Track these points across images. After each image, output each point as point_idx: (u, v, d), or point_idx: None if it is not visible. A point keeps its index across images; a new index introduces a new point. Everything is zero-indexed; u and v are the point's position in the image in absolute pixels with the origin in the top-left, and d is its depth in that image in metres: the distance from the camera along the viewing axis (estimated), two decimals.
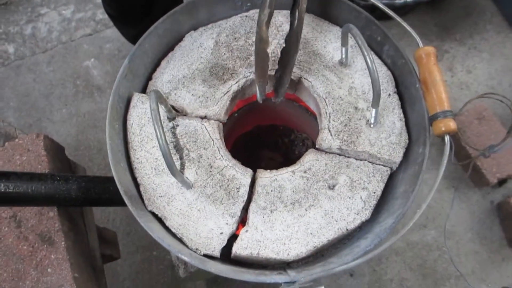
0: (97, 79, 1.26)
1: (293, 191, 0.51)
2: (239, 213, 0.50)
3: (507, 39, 1.25)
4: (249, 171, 0.52)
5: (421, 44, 0.52)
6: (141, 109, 0.55)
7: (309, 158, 0.53)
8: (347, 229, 0.49)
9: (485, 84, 1.18)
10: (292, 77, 0.57)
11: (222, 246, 0.49)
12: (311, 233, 0.49)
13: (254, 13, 0.61)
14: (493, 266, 1.03)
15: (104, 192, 0.55)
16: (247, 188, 0.51)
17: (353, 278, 1.03)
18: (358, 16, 0.56)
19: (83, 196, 0.53)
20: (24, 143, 0.57)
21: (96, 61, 1.30)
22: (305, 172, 0.53)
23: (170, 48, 0.60)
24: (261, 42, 0.48)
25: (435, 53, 0.51)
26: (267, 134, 0.74)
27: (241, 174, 0.52)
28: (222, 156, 0.53)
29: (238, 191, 0.51)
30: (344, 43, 0.54)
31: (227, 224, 0.49)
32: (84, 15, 1.37)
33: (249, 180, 0.51)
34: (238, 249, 0.49)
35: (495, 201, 1.07)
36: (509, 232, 1.04)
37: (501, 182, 1.08)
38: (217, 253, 0.48)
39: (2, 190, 0.47)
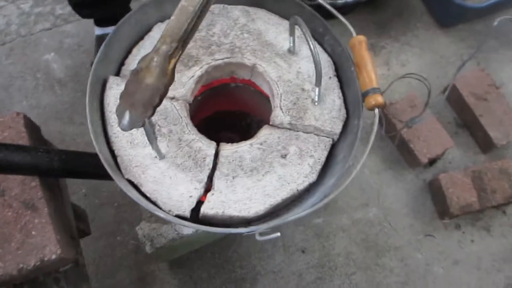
0: (57, 72, 1.30)
1: (251, 160, 0.60)
2: (205, 179, 0.58)
3: (434, 36, 1.41)
4: (213, 143, 0.60)
5: (354, 34, 0.62)
6: (116, 90, 0.62)
7: (264, 133, 0.63)
8: (297, 190, 0.59)
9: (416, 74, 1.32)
10: (248, 63, 0.66)
11: (192, 208, 0.57)
12: (267, 194, 0.58)
13: (214, 7, 0.70)
14: (426, 237, 1.17)
15: (83, 165, 0.61)
16: (212, 158, 0.59)
17: (305, 254, 1.13)
18: (302, 11, 0.66)
19: (63, 167, 0.59)
20: (5, 121, 0.62)
21: (56, 55, 1.33)
22: (261, 144, 0.62)
23: (140, 37, 0.67)
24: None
25: (366, 41, 0.61)
26: (226, 118, 0.83)
27: (207, 146, 0.60)
28: (189, 131, 0.61)
29: (204, 160, 0.59)
30: (292, 33, 0.64)
31: (195, 188, 0.57)
32: (43, 10, 1.39)
33: (213, 151, 0.60)
34: (206, 209, 0.57)
35: (426, 180, 1.21)
36: (439, 206, 1.18)
37: (432, 162, 1.23)
38: (187, 214, 0.56)
39: None
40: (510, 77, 1.39)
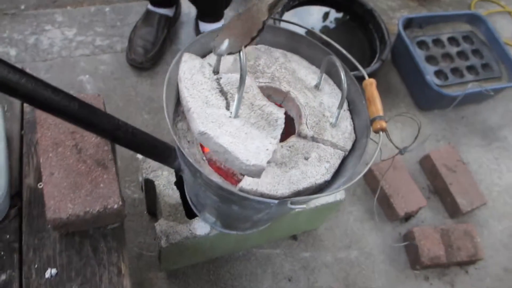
0: (89, 92, 1.46)
1: (281, 157, 0.77)
2: (279, 136, 0.69)
3: (413, 116, 1.65)
4: (283, 109, 0.74)
5: (367, 77, 0.82)
6: (190, 63, 0.74)
7: (292, 140, 0.80)
8: (315, 183, 0.75)
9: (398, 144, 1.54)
10: (284, 89, 0.85)
11: (268, 159, 0.65)
12: (292, 182, 0.74)
13: (260, 47, 0.90)
14: (398, 283, 1.31)
15: (147, 142, 0.76)
16: (283, 120, 0.70)
17: (291, 283, 1.24)
18: (329, 59, 0.86)
19: (133, 139, 0.73)
20: (88, 98, 0.77)
21: (90, 78, 1.50)
22: (289, 147, 0.78)
23: (204, 56, 0.85)
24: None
25: (375, 82, 0.81)
26: None
27: (277, 111, 0.72)
28: (261, 98, 0.73)
29: (277, 121, 0.70)
30: (322, 70, 0.84)
31: (270, 143, 0.67)
32: (85, 39, 1.59)
33: (283, 115, 0.71)
34: (244, 185, 0.71)
35: (402, 233, 1.38)
36: (411, 256, 1.33)
37: (407, 218, 1.40)
38: (264, 164, 0.64)
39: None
40: (475, 159, 1.63)
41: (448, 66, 1.72)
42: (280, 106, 0.89)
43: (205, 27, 1.59)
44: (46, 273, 0.75)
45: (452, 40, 1.81)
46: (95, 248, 0.77)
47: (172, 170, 1.07)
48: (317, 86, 0.87)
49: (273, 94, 0.87)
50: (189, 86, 0.70)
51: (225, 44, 0.56)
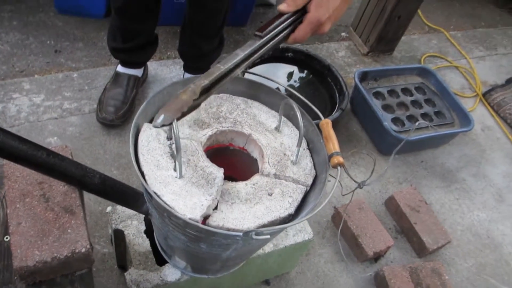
0: None
1: (246, 194, 0.80)
2: (214, 194, 0.76)
3: (376, 160, 1.73)
4: (222, 169, 0.80)
5: (322, 118, 0.89)
6: (148, 132, 0.82)
7: (256, 178, 0.84)
8: (280, 217, 0.78)
9: (364, 191, 1.61)
10: (246, 132, 0.90)
11: (202, 213, 0.71)
12: (257, 217, 0.77)
13: (222, 95, 0.96)
14: None
15: (115, 188, 0.78)
16: (221, 178, 0.78)
17: None
18: (286, 102, 0.93)
19: (101, 185, 0.76)
20: (57, 150, 0.80)
21: (58, 139, 1.52)
22: (253, 184, 0.82)
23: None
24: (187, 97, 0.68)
25: (330, 122, 0.88)
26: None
27: (217, 171, 0.79)
28: (204, 160, 0.80)
29: (215, 180, 0.77)
30: (281, 113, 0.90)
31: (206, 199, 0.73)
32: (52, 103, 1.63)
33: (222, 174, 0.78)
34: (211, 221, 0.74)
35: (372, 273, 1.40)
36: None
37: (376, 259, 1.43)
38: (198, 218, 0.71)
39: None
40: (436, 199, 1.70)
41: (404, 113, 1.84)
42: (243, 148, 0.94)
43: None
44: None
45: (406, 91, 1.95)
46: None
47: (142, 219, 1.08)
48: (277, 128, 0.93)
49: (235, 137, 0.92)
50: (145, 152, 0.79)
51: (160, 118, 0.66)
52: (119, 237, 1.10)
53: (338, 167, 0.84)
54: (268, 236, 0.71)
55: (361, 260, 1.41)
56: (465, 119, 1.84)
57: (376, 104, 1.81)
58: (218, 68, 0.74)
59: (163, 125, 0.67)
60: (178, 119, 0.68)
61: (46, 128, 1.55)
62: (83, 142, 1.52)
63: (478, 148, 1.97)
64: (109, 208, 1.13)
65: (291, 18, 0.84)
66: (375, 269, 1.40)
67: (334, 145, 0.85)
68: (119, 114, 1.56)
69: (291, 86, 1.92)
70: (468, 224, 1.66)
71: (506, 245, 1.63)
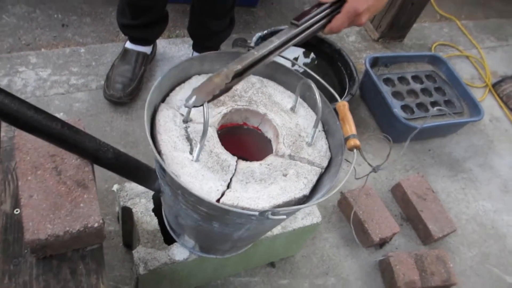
0: None
1: (260, 174, 0.79)
2: (228, 180, 0.76)
3: (383, 148, 1.72)
4: (235, 157, 0.79)
5: (339, 100, 0.87)
6: (165, 112, 0.81)
7: (270, 158, 0.83)
8: (294, 197, 0.77)
9: (371, 177, 1.59)
10: (261, 112, 0.89)
11: (217, 198, 0.73)
12: (272, 197, 0.76)
13: None
14: None
15: (128, 164, 0.77)
16: (235, 166, 0.78)
17: None
18: (303, 82, 0.91)
19: (115, 160, 0.74)
20: (69, 121, 0.78)
21: (65, 115, 1.50)
22: (268, 165, 0.81)
23: (183, 81, 0.89)
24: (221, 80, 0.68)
25: (347, 104, 0.86)
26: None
27: (231, 158, 0.79)
28: (219, 146, 0.80)
29: (229, 167, 0.77)
30: (298, 92, 0.88)
31: (221, 185, 0.74)
32: (59, 78, 1.60)
33: (235, 162, 0.78)
34: (225, 200, 0.73)
35: (377, 259, 1.40)
36: (387, 281, 1.35)
37: (381, 245, 1.43)
38: (214, 201, 0.71)
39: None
40: (443, 188, 1.69)
41: (414, 101, 1.82)
42: (257, 128, 0.92)
43: None
44: None
45: (416, 78, 1.92)
46: (73, 270, 0.75)
47: (150, 197, 1.07)
48: (292, 109, 0.91)
49: (250, 117, 0.91)
50: (162, 132, 0.79)
51: (192, 99, 0.67)
52: (126, 214, 1.09)
53: (354, 150, 0.82)
54: (285, 217, 0.70)
55: (367, 246, 1.41)
56: (475, 108, 1.82)
57: (386, 90, 1.79)
58: (252, 54, 0.72)
59: (194, 106, 0.67)
60: (209, 101, 0.67)
61: (52, 103, 1.53)
62: (90, 118, 1.50)
63: (485, 139, 1.95)
64: (115, 186, 1.12)
65: (329, 9, 0.83)
66: (381, 255, 1.40)
67: (350, 127, 0.84)
68: (127, 92, 1.54)
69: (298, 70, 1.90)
70: (473, 214, 1.66)
71: (511, 235, 1.63)
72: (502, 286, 1.49)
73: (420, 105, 1.81)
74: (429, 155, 1.80)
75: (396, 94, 1.82)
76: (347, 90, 1.73)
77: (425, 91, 1.89)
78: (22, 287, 0.74)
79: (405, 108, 1.78)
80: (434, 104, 1.84)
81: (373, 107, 1.85)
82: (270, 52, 0.74)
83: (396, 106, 1.73)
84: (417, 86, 1.89)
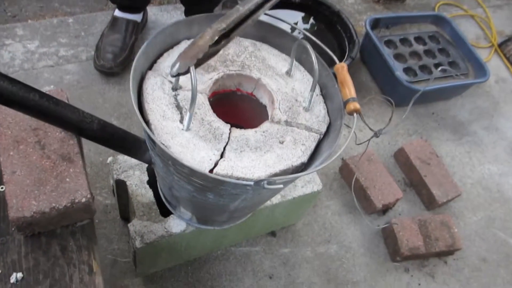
0: None
1: (255, 141, 0.75)
2: (222, 149, 0.72)
3: (386, 112, 1.67)
4: (228, 125, 0.75)
5: (337, 62, 0.82)
6: (152, 80, 0.76)
7: (266, 125, 0.78)
8: (292, 165, 0.73)
9: (373, 142, 1.55)
10: (255, 76, 0.84)
11: (210, 168, 0.69)
12: (268, 165, 0.72)
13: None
14: (379, 275, 1.30)
15: (114, 135, 0.73)
16: (228, 134, 0.74)
17: (272, 280, 1.22)
18: (299, 43, 0.85)
19: (100, 131, 0.70)
20: (52, 92, 0.74)
21: (55, 88, 1.45)
22: (263, 132, 0.77)
23: (171, 47, 0.83)
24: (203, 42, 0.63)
25: (346, 66, 0.81)
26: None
27: (223, 126, 0.74)
28: (210, 114, 0.75)
29: (222, 136, 0.73)
30: (293, 55, 0.83)
31: (214, 154, 0.70)
32: (48, 50, 1.54)
33: (228, 130, 0.74)
34: (219, 170, 0.69)
35: (380, 226, 1.37)
36: (390, 248, 1.33)
37: (384, 211, 1.40)
38: (207, 172, 0.68)
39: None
40: (447, 152, 1.65)
41: (416, 63, 1.75)
42: (251, 94, 0.88)
43: None
44: (11, 278, 0.70)
45: (419, 40, 1.85)
46: (63, 247, 0.73)
47: (144, 170, 1.03)
48: (288, 73, 0.86)
49: (244, 82, 0.86)
50: (150, 101, 0.74)
51: (176, 67, 0.63)
52: (121, 187, 1.06)
53: (354, 114, 0.78)
54: (281, 186, 0.66)
55: (369, 213, 1.38)
56: (481, 70, 1.76)
57: (388, 53, 1.72)
58: (237, 9, 0.67)
59: (178, 74, 0.62)
60: (196, 66, 0.63)
61: (41, 76, 1.48)
62: (81, 90, 1.46)
63: (491, 101, 1.90)
64: (110, 159, 1.08)
65: None
66: (383, 222, 1.38)
67: (350, 90, 0.79)
68: (118, 62, 1.49)
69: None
70: (478, 178, 1.63)
71: None
72: (507, 250, 1.47)
73: (423, 67, 1.75)
74: (432, 118, 1.75)
75: (398, 57, 1.75)
76: (347, 54, 1.67)
77: (428, 52, 1.82)
78: (11, 266, 0.72)
79: (407, 70, 1.72)
80: (437, 66, 1.77)
81: (374, 71, 1.79)
82: (258, 7, 0.68)
83: (398, 68, 1.67)
84: (420, 48, 1.82)
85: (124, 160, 1.04)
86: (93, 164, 1.29)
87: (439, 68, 1.08)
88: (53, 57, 1.54)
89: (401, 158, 1.52)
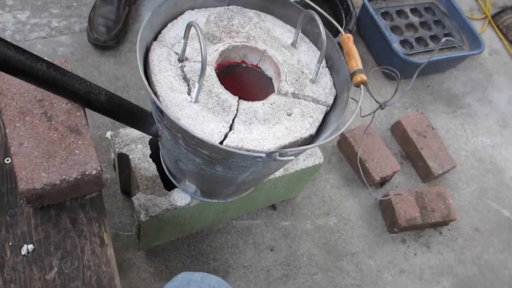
0: None
1: (264, 114, 0.75)
2: (230, 121, 0.71)
3: (383, 85, 1.68)
4: (236, 97, 0.75)
5: (343, 33, 0.82)
6: (158, 51, 0.75)
7: (273, 97, 0.78)
8: (301, 137, 0.73)
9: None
10: (260, 48, 0.83)
11: (220, 140, 0.69)
12: (277, 137, 0.72)
13: (232, 7, 0.87)
14: (377, 246, 1.32)
15: (122, 106, 0.72)
16: (236, 106, 0.73)
17: (273, 252, 1.24)
18: (306, 14, 0.84)
19: (107, 103, 0.69)
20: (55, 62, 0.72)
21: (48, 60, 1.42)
22: (271, 104, 0.77)
23: (174, 17, 0.82)
24: None
25: (352, 37, 0.80)
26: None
27: (232, 98, 0.74)
28: (218, 86, 0.75)
29: (230, 108, 0.73)
30: (299, 26, 0.82)
31: (223, 127, 0.70)
32: (39, 21, 1.50)
33: (236, 102, 0.74)
34: (228, 142, 0.69)
35: (377, 198, 1.40)
36: (388, 220, 1.35)
37: (382, 184, 1.42)
38: (217, 144, 0.67)
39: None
40: (442, 125, 1.67)
41: (413, 35, 1.75)
42: (256, 66, 0.87)
43: None
44: (22, 250, 0.70)
45: (415, 11, 1.84)
46: (73, 219, 0.73)
47: (146, 143, 1.03)
48: (293, 44, 0.85)
49: (249, 54, 0.85)
50: (157, 72, 0.73)
51: None
52: (123, 161, 1.05)
53: (362, 86, 0.78)
54: (293, 157, 0.66)
55: (368, 185, 1.40)
56: (475, 41, 1.76)
57: (384, 25, 1.71)
58: None
59: None
60: None
61: (34, 48, 1.44)
62: (76, 63, 1.43)
63: (484, 73, 1.91)
64: (109, 133, 1.07)
65: None
66: (380, 195, 1.40)
67: (356, 62, 0.79)
68: (112, 35, 1.45)
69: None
70: (472, 150, 1.65)
71: (508, 170, 1.63)
72: (499, 220, 1.51)
73: (420, 40, 1.75)
74: (428, 91, 1.76)
75: (395, 29, 1.75)
76: (344, 26, 1.65)
77: (424, 24, 1.81)
78: (21, 237, 0.71)
79: (404, 43, 1.71)
80: (433, 38, 1.77)
81: (371, 43, 1.78)
82: None
83: (395, 41, 1.66)
84: (415, 20, 1.81)
85: (126, 133, 1.04)
86: (92, 138, 1.28)
87: (444, 39, 1.07)
88: (45, 28, 1.50)
89: (398, 131, 1.53)
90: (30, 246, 0.70)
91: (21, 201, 0.73)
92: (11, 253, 0.70)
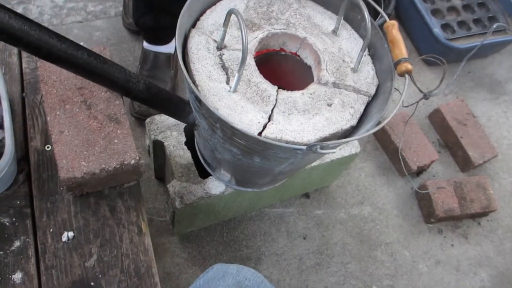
0: None
1: (303, 104, 0.73)
2: (270, 112, 0.70)
3: (421, 71, 1.62)
4: (275, 87, 0.73)
5: (387, 19, 0.78)
6: (196, 39, 0.74)
7: (313, 87, 0.76)
8: (341, 129, 0.71)
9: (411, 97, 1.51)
10: (300, 35, 0.80)
11: (259, 131, 0.67)
12: (317, 129, 0.70)
13: None
14: (412, 237, 1.30)
15: (159, 95, 0.72)
16: (275, 96, 0.72)
17: (306, 241, 1.23)
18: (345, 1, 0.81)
19: (146, 92, 0.69)
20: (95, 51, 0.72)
21: (85, 44, 1.42)
22: (311, 94, 0.74)
23: (213, 4, 0.80)
24: None
25: (397, 24, 0.77)
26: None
27: (271, 88, 0.72)
28: (257, 75, 0.73)
29: (269, 98, 0.71)
30: (341, 13, 0.79)
31: (262, 117, 0.69)
32: (75, 5, 1.51)
33: (276, 92, 0.72)
34: (267, 133, 0.68)
35: (414, 188, 1.36)
36: (425, 209, 1.32)
37: (418, 173, 1.38)
38: (256, 135, 0.66)
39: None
40: (483, 112, 1.60)
41: (455, 19, 1.67)
42: (295, 54, 0.84)
43: None
44: (62, 237, 0.72)
45: None
46: (112, 208, 0.73)
47: (181, 130, 1.03)
48: (334, 31, 0.82)
49: (288, 41, 0.83)
50: (195, 61, 0.72)
51: None
52: (158, 148, 1.06)
53: (406, 75, 0.75)
54: (334, 151, 0.64)
55: (403, 175, 1.37)
56: None
57: (425, 8, 1.64)
58: None
59: None
60: None
61: (71, 32, 1.45)
62: (111, 48, 1.43)
63: None
64: (148, 119, 1.08)
65: None
66: (417, 184, 1.36)
67: (401, 50, 0.75)
68: None
69: None
70: None
71: None
72: None
73: (462, 23, 1.67)
74: (469, 77, 1.69)
75: (436, 12, 1.67)
76: (382, 10, 1.59)
77: (467, 7, 1.72)
78: (61, 224, 0.73)
79: (445, 27, 1.64)
80: (476, 21, 1.69)
81: (410, 28, 1.71)
82: None
83: (435, 25, 1.59)
84: (458, 2, 1.73)
85: (161, 120, 1.03)
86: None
87: (495, 24, 1.01)
88: (81, 13, 1.51)
89: (437, 119, 1.48)
90: (70, 233, 0.71)
91: (61, 189, 0.74)
92: (52, 240, 0.71)
